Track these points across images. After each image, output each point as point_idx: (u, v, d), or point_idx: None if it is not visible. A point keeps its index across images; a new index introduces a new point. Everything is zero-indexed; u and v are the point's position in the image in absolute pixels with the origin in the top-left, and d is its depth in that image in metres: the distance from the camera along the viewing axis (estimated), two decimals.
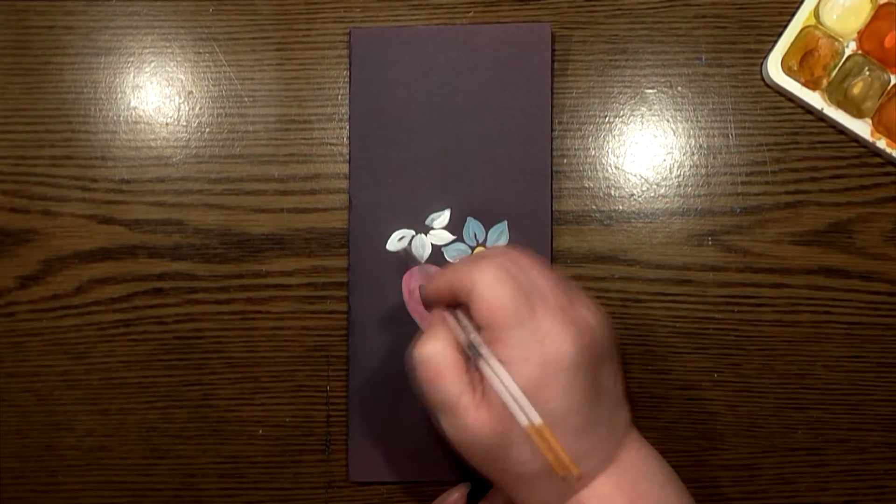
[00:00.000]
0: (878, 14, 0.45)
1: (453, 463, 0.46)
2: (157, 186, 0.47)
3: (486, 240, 0.46)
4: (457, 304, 0.38)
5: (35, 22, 0.48)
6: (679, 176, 0.47)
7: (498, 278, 0.36)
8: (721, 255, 0.46)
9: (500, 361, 0.35)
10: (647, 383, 0.46)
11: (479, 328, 0.37)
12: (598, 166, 0.47)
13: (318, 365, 0.47)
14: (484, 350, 0.36)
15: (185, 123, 0.48)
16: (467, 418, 0.36)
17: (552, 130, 0.47)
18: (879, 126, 0.45)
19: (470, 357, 0.37)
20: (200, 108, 0.48)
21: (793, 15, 0.46)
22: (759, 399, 0.46)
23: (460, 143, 0.46)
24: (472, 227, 0.46)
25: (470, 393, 0.36)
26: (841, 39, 0.46)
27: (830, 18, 0.46)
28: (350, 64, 0.47)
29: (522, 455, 0.36)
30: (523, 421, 0.35)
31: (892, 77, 0.45)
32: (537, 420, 0.35)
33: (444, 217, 0.46)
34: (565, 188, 0.47)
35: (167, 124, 0.48)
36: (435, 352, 0.37)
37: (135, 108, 0.48)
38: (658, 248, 0.46)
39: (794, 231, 0.46)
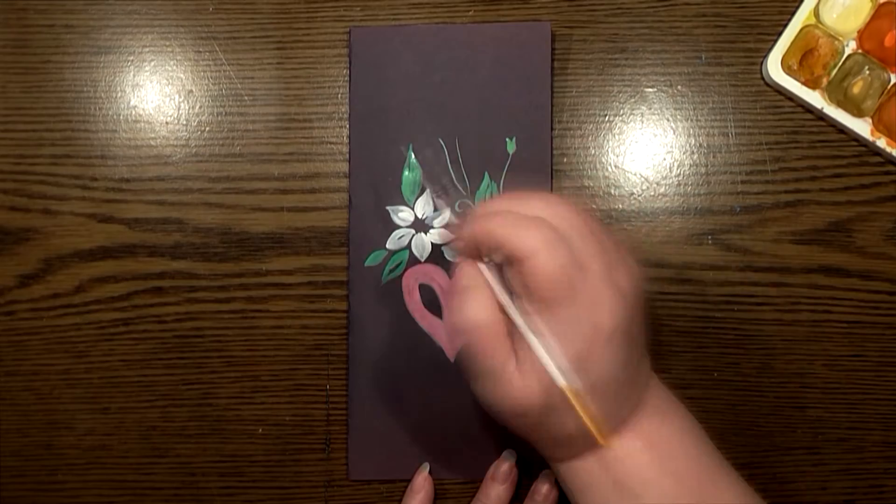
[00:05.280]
0: (878, 13, 0.45)
1: (453, 461, 0.46)
2: (157, 185, 0.47)
3: None
4: (489, 257, 0.37)
5: (35, 20, 0.48)
6: (679, 175, 0.47)
7: (555, 253, 0.34)
8: (721, 253, 0.46)
9: (543, 335, 0.35)
10: None
11: (515, 292, 0.36)
12: (598, 165, 0.47)
13: (318, 364, 0.47)
14: (519, 320, 0.35)
15: (184, 122, 0.48)
16: (511, 387, 0.35)
17: (552, 129, 0.47)
18: (879, 125, 0.45)
19: (509, 317, 0.36)
20: (200, 107, 0.48)
21: (793, 14, 0.46)
22: (758, 398, 0.46)
23: (460, 141, 0.46)
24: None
25: (513, 360, 0.35)
26: (841, 38, 0.46)
27: (830, 17, 0.46)
28: (350, 63, 0.47)
29: (561, 420, 0.36)
30: (562, 383, 0.34)
31: (892, 76, 0.45)
32: (577, 384, 0.34)
33: (444, 216, 0.46)
34: (565, 187, 0.47)
35: (167, 123, 0.48)
36: (482, 318, 0.36)
37: (135, 107, 0.48)
38: (658, 247, 0.46)
39: (793, 230, 0.46)
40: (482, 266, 0.37)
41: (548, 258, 0.34)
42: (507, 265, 0.36)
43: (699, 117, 0.47)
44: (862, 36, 0.45)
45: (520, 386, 0.35)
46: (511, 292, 0.36)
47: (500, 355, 0.35)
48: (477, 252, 0.37)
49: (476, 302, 0.36)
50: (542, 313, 0.35)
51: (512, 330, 0.36)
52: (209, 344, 0.47)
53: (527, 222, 0.35)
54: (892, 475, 0.46)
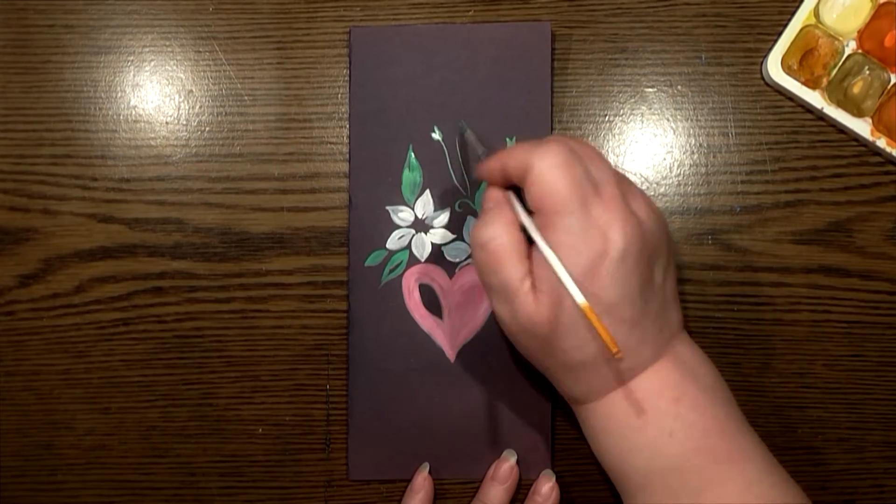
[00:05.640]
0: (878, 13, 0.45)
1: (453, 461, 0.46)
2: (157, 185, 0.47)
3: None
4: (512, 185, 0.38)
5: (35, 20, 0.48)
6: (679, 175, 0.47)
7: (555, 163, 0.36)
8: (721, 253, 0.46)
9: (551, 247, 0.36)
10: None
11: (532, 212, 0.37)
12: None
13: (318, 364, 0.47)
14: (535, 232, 0.36)
15: (184, 122, 0.48)
16: (523, 304, 0.36)
17: (552, 129, 0.47)
18: (879, 125, 0.45)
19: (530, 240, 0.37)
20: (200, 107, 0.48)
21: (793, 14, 0.46)
22: (758, 398, 0.46)
23: (460, 142, 0.46)
24: (472, 225, 0.46)
25: (529, 278, 0.36)
26: (841, 38, 0.46)
27: (830, 17, 0.46)
28: (350, 63, 0.47)
29: (570, 343, 0.37)
30: (575, 296, 0.35)
31: (892, 76, 0.45)
32: (580, 300, 0.35)
33: (444, 216, 0.46)
34: None
35: (167, 123, 0.48)
36: (496, 234, 0.37)
37: (135, 107, 0.48)
38: None
39: (793, 230, 0.46)
40: (508, 192, 0.39)
41: (546, 169, 0.36)
42: (524, 184, 0.37)
43: (699, 117, 0.47)
44: (862, 36, 0.45)
45: (531, 301, 0.36)
46: (531, 213, 0.37)
47: (517, 272, 0.36)
48: (500, 179, 0.39)
49: (497, 221, 0.37)
50: (545, 227, 0.36)
51: (531, 253, 0.37)
52: (209, 344, 0.47)
53: (536, 144, 0.37)
54: (892, 475, 0.46)
